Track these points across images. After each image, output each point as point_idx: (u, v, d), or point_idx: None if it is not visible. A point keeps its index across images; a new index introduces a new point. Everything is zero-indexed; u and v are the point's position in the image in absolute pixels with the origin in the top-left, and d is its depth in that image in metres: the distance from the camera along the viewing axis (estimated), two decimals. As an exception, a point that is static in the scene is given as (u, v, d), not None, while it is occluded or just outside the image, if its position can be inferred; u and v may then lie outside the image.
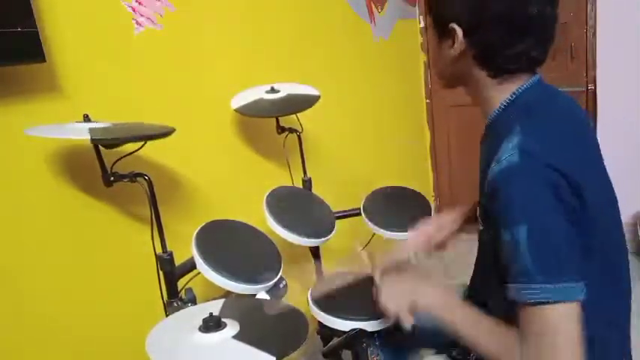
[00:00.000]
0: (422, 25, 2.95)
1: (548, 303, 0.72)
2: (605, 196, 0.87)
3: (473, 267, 1.07)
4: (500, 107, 0.86)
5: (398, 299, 0.94)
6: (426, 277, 0.97)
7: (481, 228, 0.92)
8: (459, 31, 0.82)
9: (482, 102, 0.89)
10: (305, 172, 1.72)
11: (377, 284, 1.00)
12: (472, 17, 0.80)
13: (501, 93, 0.86)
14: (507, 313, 0.79)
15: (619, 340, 0.88)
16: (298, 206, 1.48)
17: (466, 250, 1.19)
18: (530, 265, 0.73)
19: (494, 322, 0.81)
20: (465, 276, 1.15)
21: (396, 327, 0.97)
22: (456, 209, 1.21)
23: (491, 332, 0.81)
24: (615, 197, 0.89)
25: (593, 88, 2.65)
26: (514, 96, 0.85)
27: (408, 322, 0.91)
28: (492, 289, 0.86)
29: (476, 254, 1.03)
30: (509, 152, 0.76)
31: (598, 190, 0.81)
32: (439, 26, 0.86)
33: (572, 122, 0.88)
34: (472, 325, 0.84)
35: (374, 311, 1.02)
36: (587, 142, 0.89)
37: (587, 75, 2.67)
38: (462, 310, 0.86)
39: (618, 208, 0.90)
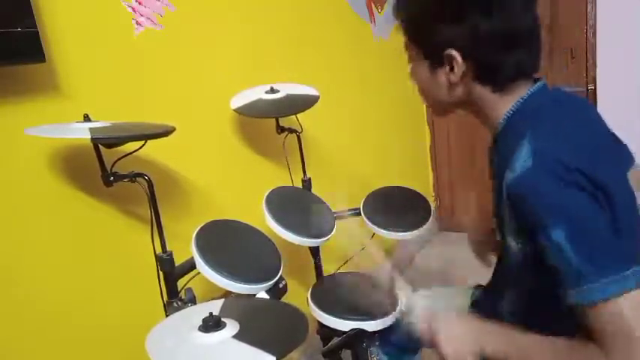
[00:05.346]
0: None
1: (609, 298, 0.69)
2: (627, 193, 0.82)
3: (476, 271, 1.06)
4: (506, 116, 0.86)
5: (461, 349, 0.87)
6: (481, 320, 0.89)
7: (499, 239, 0.91)
8: (457, 55, 0.81)
9: (487, 117, 0.89)
10: (305, 172, 1.72)
11: (433, 328, 0.91)
12: (466, 39, 0.80)
13: (505, 104, 0.86)
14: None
15: None
16: (298, 206, 1.48)
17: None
18: (579, 265, 0.70)
19: (566, 340, 0.77)
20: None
21: None
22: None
23: (571, 350, 0.77)
24: (634, 195, 0.84)
25: (593, 88, 2.65)
26: (518, 104, 0.85)
27: None
28: (518, 301, 0.86)
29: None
30: (522, 159, 0.75)
31: (620, 188, 0.78)
32: (432, 55, 0.86)
33: (583, 121, 0.86)
34: (548, 353, 0.79)
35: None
36: (601, 140, 0.86)
37: (587, 75, 2.66)
38: (532, 343, 0.81)
39: (637, 208, 0.85)
